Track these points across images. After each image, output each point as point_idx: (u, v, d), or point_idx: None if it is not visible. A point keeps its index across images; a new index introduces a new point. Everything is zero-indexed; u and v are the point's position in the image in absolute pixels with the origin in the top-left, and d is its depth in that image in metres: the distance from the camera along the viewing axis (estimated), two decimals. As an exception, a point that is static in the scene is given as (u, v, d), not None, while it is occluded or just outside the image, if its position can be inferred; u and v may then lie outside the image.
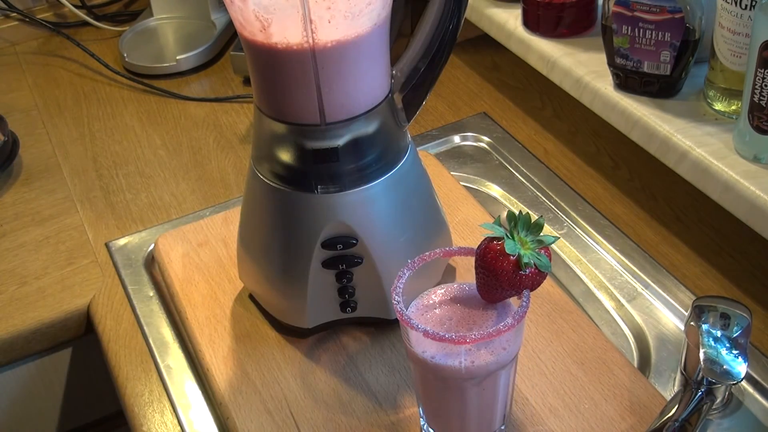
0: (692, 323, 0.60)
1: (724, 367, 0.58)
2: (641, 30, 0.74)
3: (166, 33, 1.22)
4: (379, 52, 0.59)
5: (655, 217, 0.83)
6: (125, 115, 1.07)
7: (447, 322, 0.55)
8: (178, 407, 0.68)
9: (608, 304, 0.75)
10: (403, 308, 0.54)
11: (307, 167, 0.61)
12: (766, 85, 0.64)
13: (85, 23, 1.26)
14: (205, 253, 0.79)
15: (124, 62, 1.15)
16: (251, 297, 0.73)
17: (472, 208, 0.82)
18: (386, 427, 0.63)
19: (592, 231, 0.81)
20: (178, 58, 1.13)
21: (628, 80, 0.78)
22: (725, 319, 0.60)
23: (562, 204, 0.85)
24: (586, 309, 0.75)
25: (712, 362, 0.58)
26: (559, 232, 0.82)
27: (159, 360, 0.72)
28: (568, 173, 0.90)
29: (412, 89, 0.64)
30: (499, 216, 0.61)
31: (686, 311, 0.72)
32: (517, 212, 0.53)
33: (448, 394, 0.57)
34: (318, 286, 0.65)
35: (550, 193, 0.87)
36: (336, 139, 0.60)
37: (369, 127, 0.61)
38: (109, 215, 0.90)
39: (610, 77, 0.80)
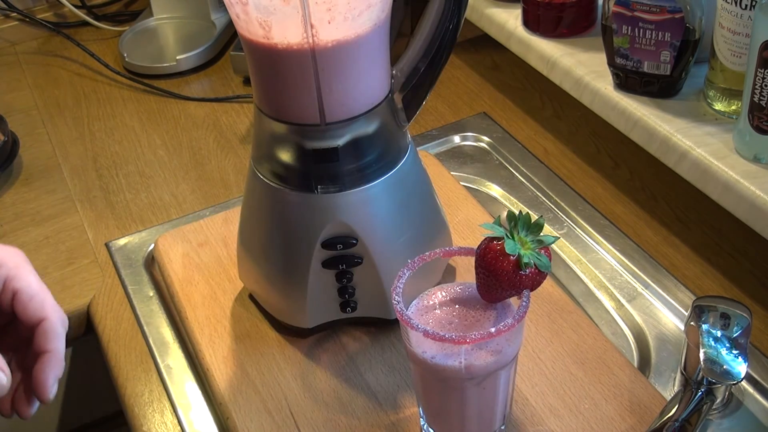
0: (692, 323, 0.60)
1: (724, 367, 0.58)
2: (641, 30, 0.74)
3: (166, 33, 1.22)
4: (379, 52, 0.59)
5: (655, 217, 0.83)
6: (125, 115, 1.07)
7: (447, 323, 0.55)
8: (178, 407, 0.68)
9: (608, 304, 0.75)
10: (403, 308, 0.54)
11: (307, 167, 0.61)
12: (766, 85, 0.64)
13: (85, 23, 1.26)
14: (205, 253, 0.79)
15: (124, 62, 1.15)
16: (251, 297, 0.73)
17: (472, 208, 0.82)
18: (386, 427, 0.63)
19: (592, 231, 0.81)
20: (178, 58, 1.13)
21: (628, 80, 0.78)
22: (725, 319, 0.60)
23: (562, 204, 0.85)
24: (586, 309, 0.75)
25: (712, 362, 0.58)
26: (559, 232, 0.82)
27: (159, 360, 0.72)
28: (568, 173, 0.90)
29: (412, 89, 0.64)
30: (499, 216, 0.61)
31: (686, 311, 0.72)
32: (517, 212, 0.53)
33: (448, 394, 0.57)
34: (318, 286, 0.65)
35: (550, 193, 0.87)
36: (336, 139, 0.60)
37: (369, 127, 0.61)
38: (109, 215, 0.90)
39: (610, 77, 0.80)
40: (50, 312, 0.50)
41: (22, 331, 0.52)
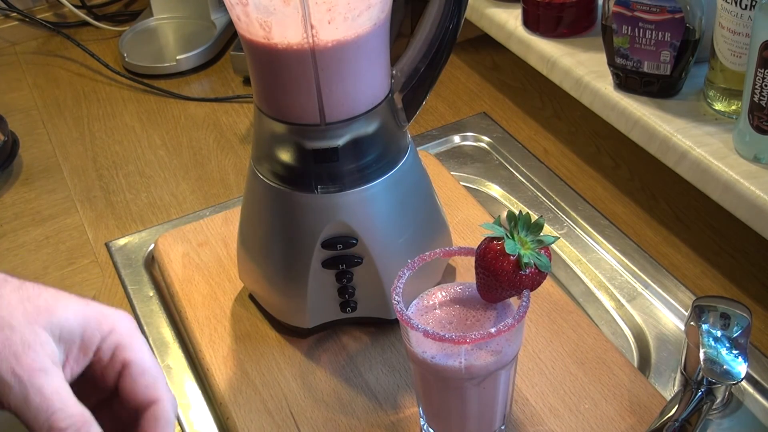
0: (692, 323, 0.60)
1: (724, 367, 0.58)
2: (641, 30, 0.74)
3: (166, 33, 1.22)
4: (379, 51, 0.59)
5: (655, 217, 0.83)
6: (125, 115, 1.07)
7: (447, 323, 0.55)
8: (178, 407, 0.68)
9: (608, 304, 0.75)
10: (403, 308, 0.54)
11: (307, 167, 0.61)
12: (766, 85, 0.64)
13: (85, 23, 1.26)
14: (205, 253, 0.79)
15: (124, 62, 1.15)
16: (251, 297, 0.73)
17: (472, 208, 0.82)
18: (386, 427, 0.63)
19: (592, 231, 0.81)
20: (178, 58, 1.13)
21: (628, 80, 0.78)
22: (725, 319, 0.60)
23: (562, 204, 0.85)
24: (586, 309, 0.75)
25: (712, 362, 0.58)
26: (559, 232, 0.82)
27: (159, 360, 0.72)
28: (568, 173, 0.90)
29: (412, 89, 0.64)
30: (499, 216, 0.61)
31: (686, 311, 0.72)
32: (517, 212, 0.53)
33: (448, 394, 0.57)
34: (318, 286, 0.65)
35: (550, 193, 0.87)
36: (336, 139, 0.60)
37: (369, 127, 0.61)
38: (109, 215, 0.90)
39: (610, 77, 0.80)
40: (163, 393, 0.42)
41: (120, 413, 0.43)
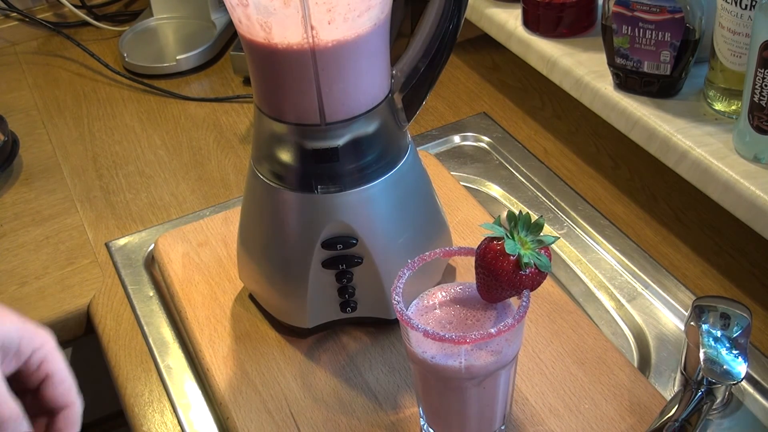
0: (692, 323, 0.60)
1: (724, 367, 0.58)
2: (641, 30, 0.74)
3: (166, 33, 1.22)
4: (379, 51, 0.59)
5: (655, 217, 0.83)
6: (125, 115, 1.07)
7: (447, 323, 0.55)
8: (178, 407, 0.68)
9: (608, 304, 0.75)
10: (403, 308, 0.54)
11: (307, 167, 0.61)
12: (766, 85, 0.64)
13: (85, 23, 1.26)
14: (205, 253, 0.79)
15: (124, 62, 1.15)
16: (251, 297, 0.73)
17: (472, 208, 0.82)
18: (386, 427, 0.63)
19: (592, 231, 0.81)
20: (178, 58, 1.13)
21: (628, 80, 0.78)
22: (725, 319, 0.60)
23: (562, 204, 0.85)
24: (586, 309, 0.75)
25: (712, 362, 0.58)
26: (559, 232, 0.82)
27: (159, 360, 0.72)
28: (568, 173, 0.90)
29: (412, 89, 0.64)
30: (499, 216, 0.61)
31: (686, 311, 0.72)
32: (517, 212, 0.53)
33: (448, 394, 0.57)
34: (318, 286, 0.65)
35: (550, 193, 0.87)
36: (336, 139, 0.60)
37: (369, 127, 0.61)
38: (109, 215, 0.90)
39: (610, 77, 0.80)
40: (76, 399, 0.53)
41: (27, 407, 0.52)
